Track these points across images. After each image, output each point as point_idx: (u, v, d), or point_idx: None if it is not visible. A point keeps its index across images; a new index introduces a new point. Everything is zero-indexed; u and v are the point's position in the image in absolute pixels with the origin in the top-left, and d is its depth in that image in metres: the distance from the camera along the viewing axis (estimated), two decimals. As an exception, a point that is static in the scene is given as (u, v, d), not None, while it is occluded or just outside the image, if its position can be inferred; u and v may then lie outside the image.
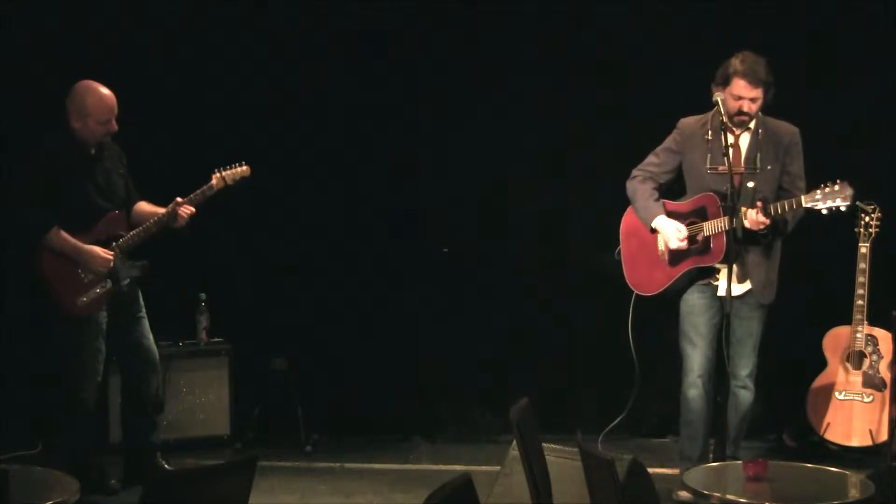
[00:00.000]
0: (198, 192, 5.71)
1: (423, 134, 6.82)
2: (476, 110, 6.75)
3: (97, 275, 5.51)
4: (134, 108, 5.68)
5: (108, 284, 5.55)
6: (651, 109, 6.28)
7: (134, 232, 5.64)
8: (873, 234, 6.02)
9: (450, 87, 6.73)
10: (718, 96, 5.27)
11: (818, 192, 5.14)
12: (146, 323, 5.76)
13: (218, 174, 5.76)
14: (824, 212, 5.14)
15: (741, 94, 5.26)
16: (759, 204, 5.21)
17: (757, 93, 5.25)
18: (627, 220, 5.66)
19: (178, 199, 5.65)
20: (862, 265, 6.03)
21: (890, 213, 6.04)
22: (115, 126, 5.53)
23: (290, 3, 6.63)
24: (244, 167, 5.80)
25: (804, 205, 5.16)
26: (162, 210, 5.69)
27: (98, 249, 5.51)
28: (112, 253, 5.53)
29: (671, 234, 5.41)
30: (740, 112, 5.29)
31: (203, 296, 6.60)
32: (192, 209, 5.67)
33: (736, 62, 5.26)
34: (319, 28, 6.68)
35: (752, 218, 5.21)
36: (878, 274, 6.08)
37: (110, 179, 5.64)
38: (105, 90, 5.50)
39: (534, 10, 6.64)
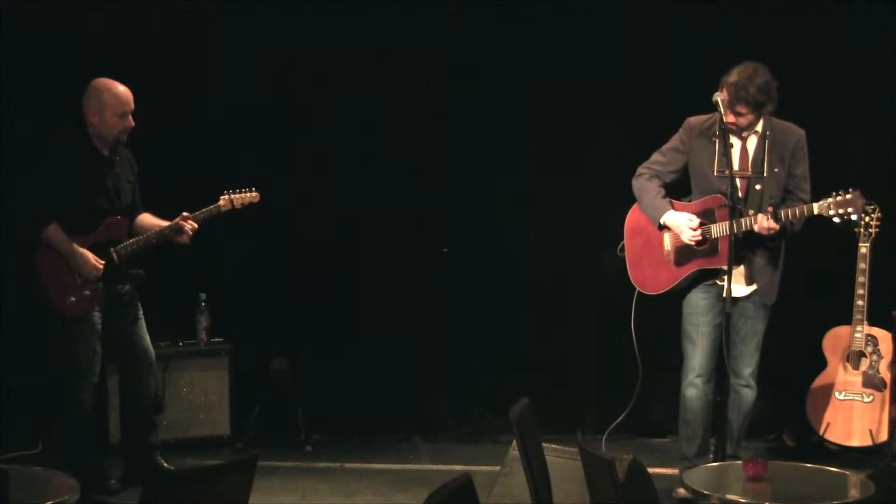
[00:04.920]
0: (204, 210, 5.72)
1: (425, 134, 6.82)
2: (477, 110, 6.75)
3: (87, 279, 5.51)
4: (143, 118, 5.68)
5: (100, 288, 5.55)
6: (652, 109, 6.28)
7: (134, 240, 5.64)
8: (873, 234, 6.02)
9: (451, 88, 6.73)
10: (718, 97, 5.25)
11: (830, 199, 5.11)
12: (143, 324, 5.75)
13: (226, 196, 5.77)
14: (836, 219, 5.13)
15: (730, 104, 5.22)
16: (769, 210, 5.18)
17: (741, 109, 5.22)
18: (632, 217, 5.65)
19: (185, 214, 5.66)
20: (862, 265, 6.03)
21: (890, 213, 6.04)
22: (132, 122, 5.53)
23: (291, 6, 6.64)
24: (253, 193, 5.81)
25: (815, 212, 5.14)
26: (166, 223, 5.69)
27: (90, 256, 5.50)
28: (103, 262, 5.52)
29: (683, 225, 5.37)
30: (728, 120, 5.28)
31: (203, 296, 6.60)
32: (196, 226, 5.68)
33: (733, 73, 5.21)
34: (321, 29, 6.68)
35: (762, 224, 5.18)
36: (878, 274, 6.07)
37: (119, 184, 5.64)
38: (122, 86, 5.53)
39: (535, 11, 6.64)
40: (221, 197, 5.78)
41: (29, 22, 6.30)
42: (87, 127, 5.52)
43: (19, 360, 6.33)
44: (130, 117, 5.53)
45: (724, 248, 5.29)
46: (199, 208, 5.72)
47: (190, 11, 6.51)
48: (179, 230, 5.65)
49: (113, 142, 5.56)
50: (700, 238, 5.37)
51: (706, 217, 5.41)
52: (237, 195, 5.79)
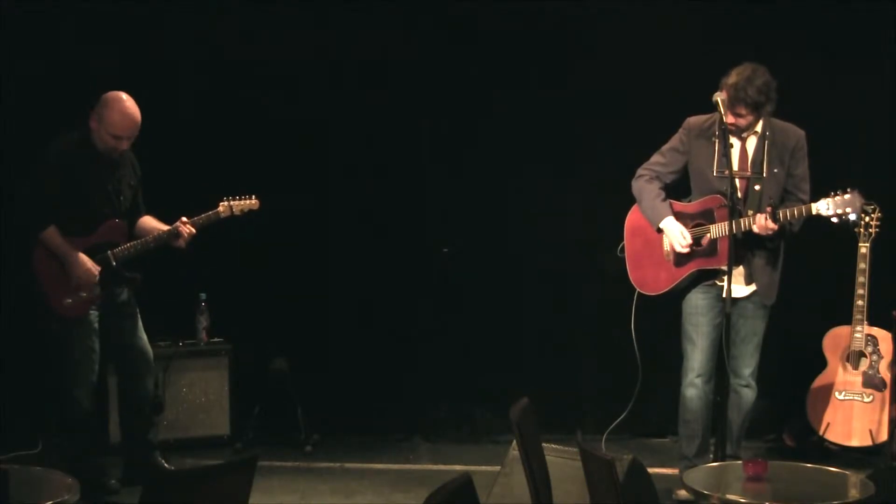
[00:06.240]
0: (203, 216, 5.72)
1: (425, 134, 6.82)
2: (477, 110, 6.75)
3: (81, 283, 5.51)
4: (144, 121, 5.65)
5: (97, 290, 5.55)
6: (652, 109, 6.28)
7: (131, 244, 5.64)
8: (873, 234, 6.02)
9: (451, 88, 6.73)
10: (718, 97, 5.25)
11: (829, 199, 5.12)
12: (139, 322, 5.76)
13: (226, 203, 5.78)
14: (834, 220, 5.14)
15: (730, 105, 5.22)
16: (767, 210, 5.19)
17: (741, 110, 5.22)
18: (632, 218, 5.65)
19: (184, 219, 5.66)
20: (862, 265, 6.03)
21: (890, 213, 6.04)
22: (124, 146, 5.51)
23: (291, 10, 6.64)
24: (253, 200, 5.82)
25: (813, 213, 5.15)
26: (166, 227, 5.69)
27: (87, 260, 5.51)
28: (99, 268, 5.53)
29: (676, 239, 5.40)
30: (728, 121, 5.28)
31: (203, 296, 6.60)
32: (194, 231, 5.67)
33: (732, 74, 5.21)
34: (320, 30, 6.68)
35: (761, 224, 5.19)
36: (878, 274, 6.08)
37: (120, 187, 5.65)
38: (130, 110, 5.47)
39: (535, 10, 6.64)
40: (221, 203, 5.78)
41: (29, 22, 6.31)
42: (89, 130, 5.52)
43: (19, 360, 6.33)
44: (124, 142, 5.49)
45: (723, 248, 5.29)
46: (200, 213, 5.72)
47: (193, 13, 6.51)
48: (177, 235, 5.66)
49: (105, 153, 5.54)
50: (688, 251, 5.38)
51: (706, 217, 5.42)
52: (237, 202, 5.79)
